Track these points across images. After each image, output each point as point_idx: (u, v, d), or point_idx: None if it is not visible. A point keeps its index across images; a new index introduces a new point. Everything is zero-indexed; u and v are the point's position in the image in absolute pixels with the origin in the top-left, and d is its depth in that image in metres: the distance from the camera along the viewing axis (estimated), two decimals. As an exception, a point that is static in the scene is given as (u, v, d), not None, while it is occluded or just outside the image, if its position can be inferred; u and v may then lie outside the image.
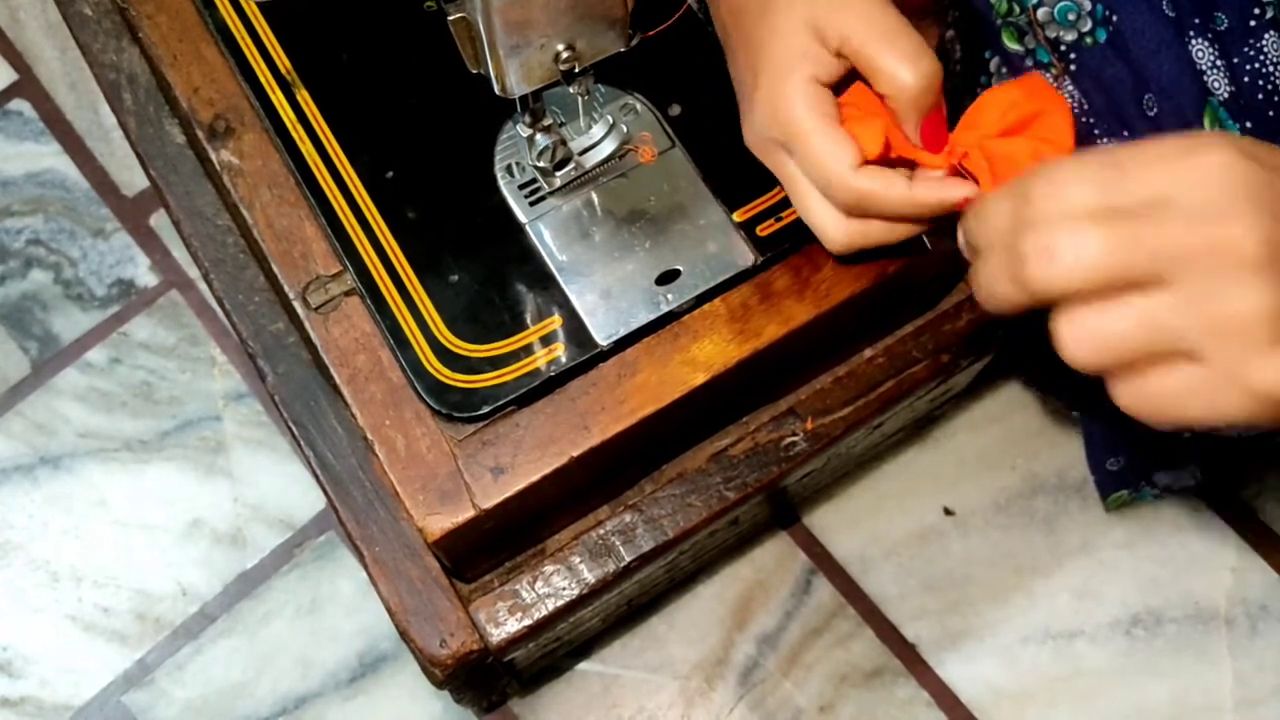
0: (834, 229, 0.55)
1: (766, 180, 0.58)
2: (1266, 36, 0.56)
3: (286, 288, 0.60)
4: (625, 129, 0.61)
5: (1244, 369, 0.37)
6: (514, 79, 0.52)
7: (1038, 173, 0.42)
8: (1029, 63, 0.61)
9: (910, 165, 0.54)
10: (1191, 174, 0.39)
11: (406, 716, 0.80)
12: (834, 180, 0.53)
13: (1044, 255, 0.40)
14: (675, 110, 0.62)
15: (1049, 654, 0.81)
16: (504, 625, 0.61)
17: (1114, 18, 0.57)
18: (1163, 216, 0.38)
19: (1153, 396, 0.40)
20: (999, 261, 0.43)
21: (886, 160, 0.54)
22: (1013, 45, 0.62)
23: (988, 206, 0.44)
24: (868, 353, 0.66)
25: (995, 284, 0.43)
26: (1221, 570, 0.83)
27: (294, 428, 0.62)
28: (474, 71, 0.53)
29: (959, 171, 0.54)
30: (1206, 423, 0.39)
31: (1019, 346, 0.75)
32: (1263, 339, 0.37)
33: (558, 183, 0.60)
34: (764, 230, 0.59)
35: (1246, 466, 0.85)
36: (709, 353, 0.58)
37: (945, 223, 0.53)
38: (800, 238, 0.58)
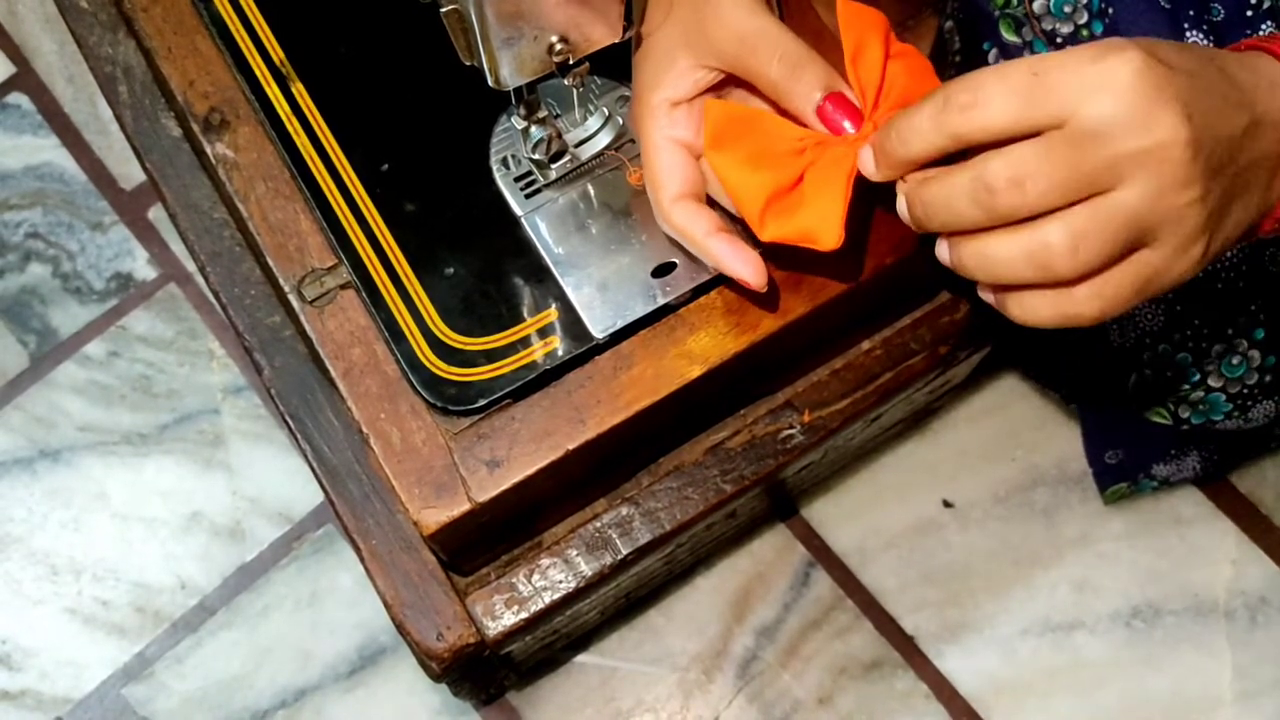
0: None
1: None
2: (1263, 27, 0.56)
3: (282, 281, 0.60)
4: (621, 121, 0.60)
5: (1193, 246, 0.44)
6: (507, 71, 0.52)
7: (959, 82, 0.44)
8: (1026, 54, 0.61)
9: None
10: (1104, 80, 0.42)
11: (405, 709, 0.81)
12: (657, 206, 0.56)
13: (1014, 188, 0.43)
14: (671, 102, 0.62)
15: (1048, 646, 0.81)
16: (501, 618, 0.61)
17: (1110, 10, 0.57)
18: (1095, 135, 0.42)
19: (1122, 284, 0.45)
20: (960, 188, 0.44)
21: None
22: (1010, 37, 0.61)
23: (908, 122, 0.45)
24: (865, 345, 0.66)
25: (957, 207, 0.45)
26: (1221, 563, 0.83)
27: (290, 421, 0.62)
28: (468, 64, 0.53)
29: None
30: (1162, 291, 0.45)
31: (1017, 338, 0.75)
32: (1202, 219, 0.44)
33: (553, 175, 0.60)
34: (760, 223, 0.59)
35: (1246, 459, 0.85)
36: (705, 346, 0.58)
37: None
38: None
